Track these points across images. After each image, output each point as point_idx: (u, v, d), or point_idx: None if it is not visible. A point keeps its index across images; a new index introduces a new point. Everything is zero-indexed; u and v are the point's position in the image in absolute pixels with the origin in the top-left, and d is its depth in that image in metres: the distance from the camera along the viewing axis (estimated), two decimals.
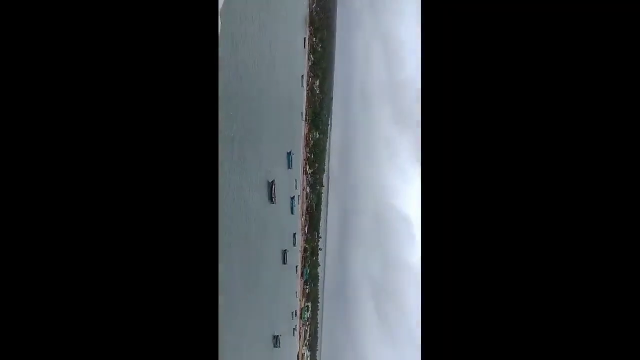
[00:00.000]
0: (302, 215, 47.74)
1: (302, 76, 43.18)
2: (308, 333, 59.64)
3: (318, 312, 73.65)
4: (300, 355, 50.51)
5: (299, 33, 40.83)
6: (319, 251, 67.25)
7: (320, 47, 57.55)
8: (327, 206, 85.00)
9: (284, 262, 30.81)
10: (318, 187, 62.87)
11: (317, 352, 73.96)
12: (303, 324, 53.58)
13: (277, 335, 27.96)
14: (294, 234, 36.92)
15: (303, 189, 47.34)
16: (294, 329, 42.20)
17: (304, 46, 44.98)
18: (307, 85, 48.41)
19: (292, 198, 34.00)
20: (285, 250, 30.73)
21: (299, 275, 46.65)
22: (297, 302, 45.61)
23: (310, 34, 50.63)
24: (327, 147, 76.96)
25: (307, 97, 48.66)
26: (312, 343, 65.04)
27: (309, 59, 49.60)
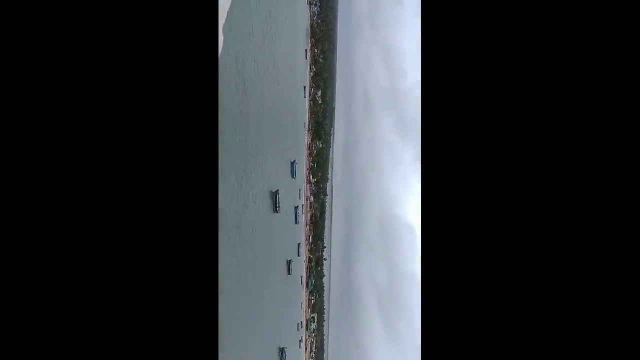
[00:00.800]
0: (306, 224, 47.59)
1: (305, 87, 43.65)
2: (314, 345, 58.72)
3: (324, 323, 72.65)
4: None
5: (300, 45, 41.45)
6: (324, 261, 66.72)
7: (322, 58, 58.27)
8: (331, 215, 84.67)
9: (289, 273, 30.59)
10: (322, 196, 62.79)
11: None
12: (309, 336, 52.82)
13: (283, 348, 27.59)
14: (299, 244, 36.73)
15: (307, 199, 47.30)
16: (300, 340, 41.61)
17: (306, 57, 45.60)
18: (310, 95, 48.87)
19: (296, 207, 33.96)
20: (290, 260, 30.55)
21: (304, 286, 46.23)
22: (302, 313, 45.08)
23: (312, 45, 51.37)
24: (330, 156, 77.13)
25: (310, 107, 49.07)
26: (318, 355, 63.99)
27: (310, 70, 50.20)
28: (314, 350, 57.84)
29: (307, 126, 46.80)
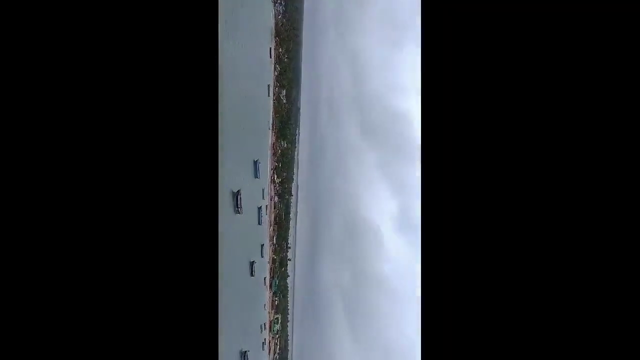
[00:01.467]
0: (270, 225, 47.02)
1: (269, 85, 43.15)
2: (278, 346, 58.16)
3: (288, 323, 72.21)
4: None
5: (264, 43, 40.89)
6: (288, 262, 66.36)
7: (287, 58, 57.99)
8: (296, 215, 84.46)
9: (252, 274, 30.03)
10: (286, 197, 62.41)
11: None
12: (273, 337, 52.20)
13: (245, 351, 27.00)
14: (262, 245, 36.17)
15: (271, 199, 46.75)
16: (263, 342, 40.97)
17: (270, 56, 45.10)
18: (274, 94, 48.39)
19: (260, 208, 33.43)
20: (253, 261, 30.00)
21: (268, 287, 45.63)
22: (266, 315, 44.45)
23: (277, 44, 50.92)
24: (295, 157, 76.90)
25: (274, 106, 48.58)
26: (282, 356, 63.44)
27: (275, 69, 49.73)
28: (277, 352, 57.27)
29: (271, 125, 46.28)
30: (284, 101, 57.24)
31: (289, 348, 74.75)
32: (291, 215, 71.38)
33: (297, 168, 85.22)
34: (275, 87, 49.41)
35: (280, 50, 53.68)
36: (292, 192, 72.87)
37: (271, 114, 46.51)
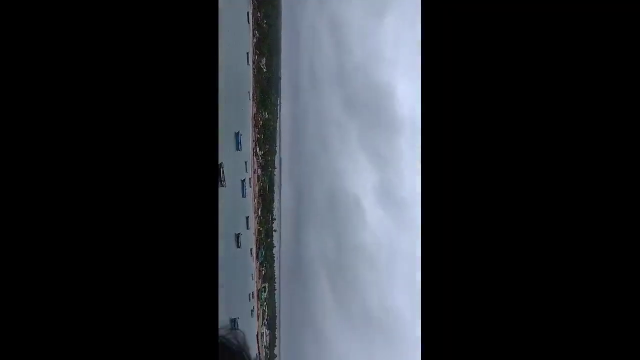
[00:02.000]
0: (255, 197, 47.08)
1: (248, 53, 41.37)
2: (266, 313, 60.41)
3: (275, 292, 74.63)
4: (259, 335, 51.24)
5: (242, 6, 38.62)
6: (274, 233, 67.35)
7: (266, 24, 55.27)
8: (280, 187, 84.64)
9: (238, 246, 30.43)
10: (270, 169, 62.10)
11: (277, 330, 75.61)
12: (261, 305, 54.05)
13: (235, 319, 27.96)
14: (247, 217, 36.38)
15: (254, 171, 46.43)
16: (252, 310, 42.42)
17: (248, 21, 42.85)
18: (254, 63, 46.55)
19: (243, 181, 33.24)
20: (239, 233, 30.29)
21: (255, 258, 46.53)
22: (254, 284, 45.69)
23: (254, 8, 48.21)
24: (277, 128, 75.65)
25: (254, 75, 46.91)
26: (270, 322, 66.13)
27: (254, 35, 47.47)
28: (266, 318, 59.56)
29: (252, 95, 44.91)
30: (264, 70, 55.21)
31: (277, 314, 77.79)
32: (275, 187, 71.47)
33: (280, 140, 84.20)
34: (254, 54, 47.39)
35: (259, 14, 50.93)
36: (276, 165, 72.49)
37: (251, 83, 44.98)
